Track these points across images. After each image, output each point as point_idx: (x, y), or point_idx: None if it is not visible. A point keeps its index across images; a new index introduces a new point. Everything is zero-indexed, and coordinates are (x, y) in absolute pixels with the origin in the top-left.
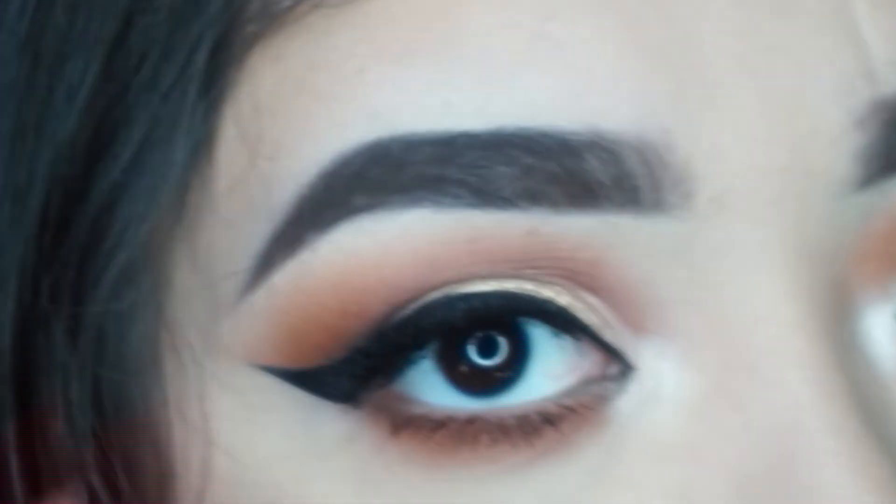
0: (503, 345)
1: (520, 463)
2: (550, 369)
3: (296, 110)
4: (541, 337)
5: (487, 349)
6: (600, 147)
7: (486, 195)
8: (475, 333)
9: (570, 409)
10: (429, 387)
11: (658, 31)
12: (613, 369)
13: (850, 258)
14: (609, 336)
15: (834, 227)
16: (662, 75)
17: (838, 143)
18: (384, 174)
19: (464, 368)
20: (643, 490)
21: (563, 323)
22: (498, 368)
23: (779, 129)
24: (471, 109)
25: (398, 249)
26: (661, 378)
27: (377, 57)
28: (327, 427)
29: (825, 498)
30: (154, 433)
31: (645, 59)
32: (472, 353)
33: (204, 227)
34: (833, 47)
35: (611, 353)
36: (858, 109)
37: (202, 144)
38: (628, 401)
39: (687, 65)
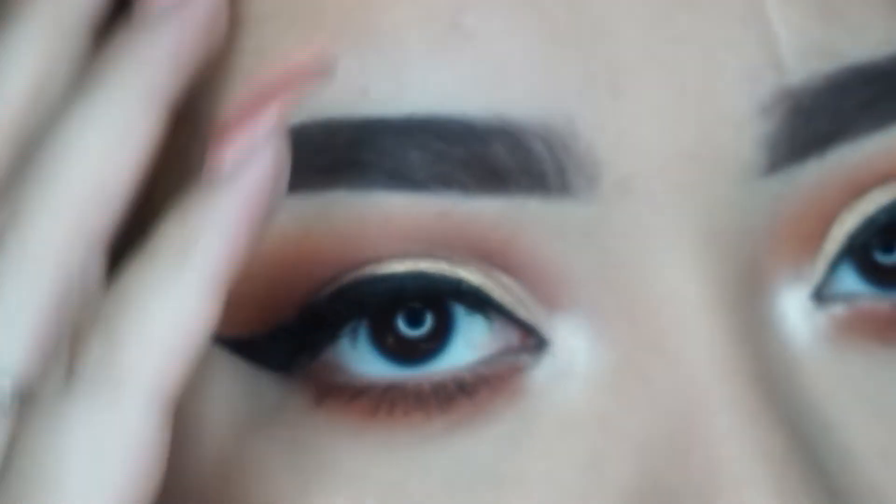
0: (429, 316)
1: (436, 431)
2: (473, 340)
3: (230, 94)
4: (462, 310)
5: (415, 319)
6: (506, 134)
7: (399, 178)
8: (405, 305)
9: (485, 379)
10: (358, 355)
11: (568, 22)
12: (530, 342)
13: (762, 241)
14: (523, 313)
15: (742, 211)
16: (570, 65)
17: (744, 129)
18: (306, 156)
19: (392, 338)
20: (555, 459)
21: (477, 302)
22: (424, 339)
23: (684, 117)
24: (386, 97)
25: (318, 227)
26: (575, 353)
27: (302, 46)
28: (264, 394)
29: (721, 473)
30: None
31: (554, 49)
32: (401, 323)
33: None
34: (741, 38)
35: (525, 329)
36: (764, 97)
37: None
38: (543, 374)
39: (594, 54)
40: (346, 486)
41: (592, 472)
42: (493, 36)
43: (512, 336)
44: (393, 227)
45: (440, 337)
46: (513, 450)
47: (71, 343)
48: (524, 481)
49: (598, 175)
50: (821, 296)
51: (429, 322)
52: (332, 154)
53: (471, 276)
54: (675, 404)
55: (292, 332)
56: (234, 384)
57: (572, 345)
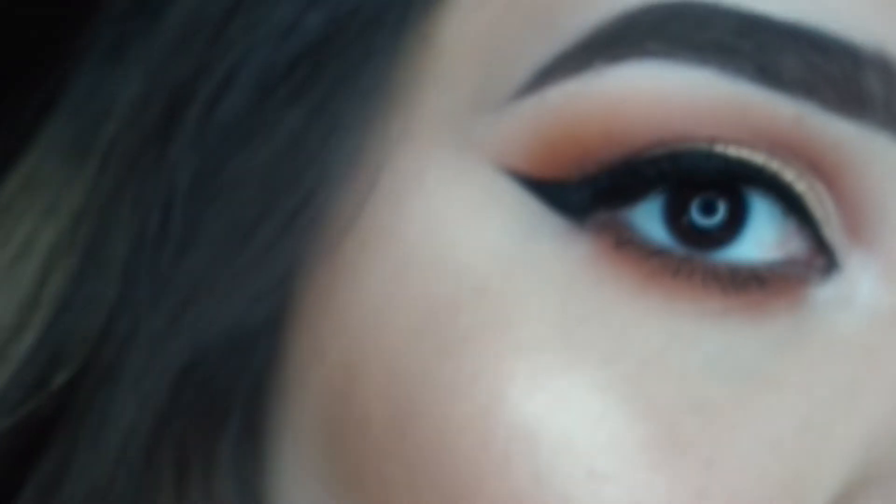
0: (722, 209)
1: (719, 311)
2: (762, 241)
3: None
4: (763, 210)
5: (706, 211)
6: (883, 66)
7: (767, 75)
8: (702, 193)
9: (776, 278)
10: (650, 227)
11: None
12: (820, 262)
13: None
14: (827, 232)
15: None
16: None
17: None
18: (683, 31)
19: (684, 221)
20: (815, 374)
21: (795, 208)
22: (716, 229)
23: None
24: None
25: (676, 97)
26: (859, 285)
27: None
28: (548, 236)
29: None
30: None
31: None
32: (693, 211)
33: (491, 27)
34: None
35: (824, 247)
36: None
37: None
38: (825, 293)
39: None
40: (608, 340)
41: (847, 398)
42: None
43: (801, 249)
44: (747, 118)
45: (731, 229)
46: (778, 353)
47: None
48: (780, 386)
49: None
50: None
51: (721, 214)
52: (710, 35)
53: (797, 181)
54: None
55: (614, 177)
56: (517, 221)
57: (860, 277)
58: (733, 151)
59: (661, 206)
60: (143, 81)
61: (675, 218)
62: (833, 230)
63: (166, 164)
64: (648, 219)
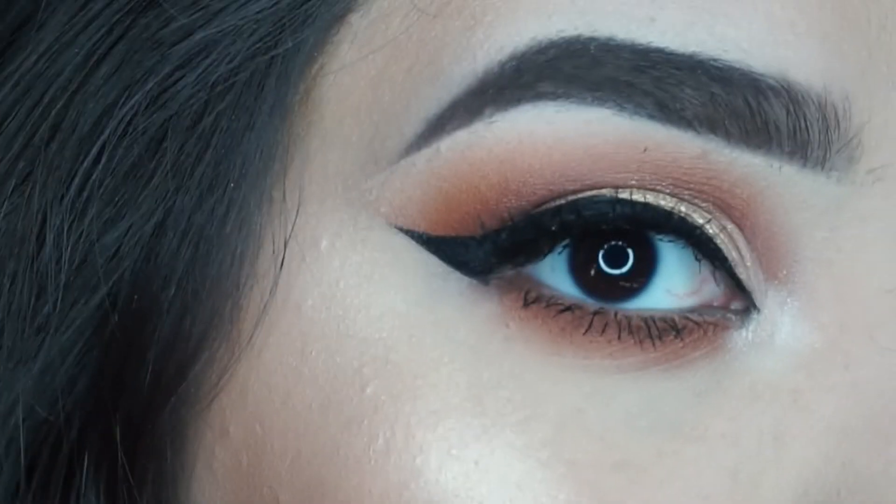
0: (631, 256)
1: (636, 364)
2: (673, 288)
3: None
4: (673, 256)
5: (614, 260)
6: (787, 95)
7: (668, 111)
8: (609, 241)
9: (694, 324)
10: (558, 281)
11: (857, 6)
12: (737, 304)
13: None
14: (742, 273)
15: None
16: (855, 46)
17: None
18: (577, 69)
19: (592, 272)
20: (740, 423)
21: (707, 252)
22: (624, 278)
23: None
24: (672, 30)
25: (574, 140)
26: (779, 326)
27: None
28: (453, 296)
29: None
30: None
31: (840, 25)
32: (601, 261)
33: (376, 80)
34: None
35: (740, 289)
36: None
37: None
38: (744, 337)
39: (877, 41)
40: (522, 403)
41: (775, 445)
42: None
43: (716, 293)
44: (649, 157)
45: (640, 277)
46: (701, 404)
47: None
48: (704, 438)
49: (857, 158)
50: None
51: (631, 261)
52: (605, 72)
53: (707, 224)
54: (877, 393)
55: (515, 232)
56: (419, 283)
57: (779, 317)
58: (639, 197)
59: (568, 257)
60: None
61: (582, 269)
62: (748, 271)
63: (26, 232)
64: (556, 272)
